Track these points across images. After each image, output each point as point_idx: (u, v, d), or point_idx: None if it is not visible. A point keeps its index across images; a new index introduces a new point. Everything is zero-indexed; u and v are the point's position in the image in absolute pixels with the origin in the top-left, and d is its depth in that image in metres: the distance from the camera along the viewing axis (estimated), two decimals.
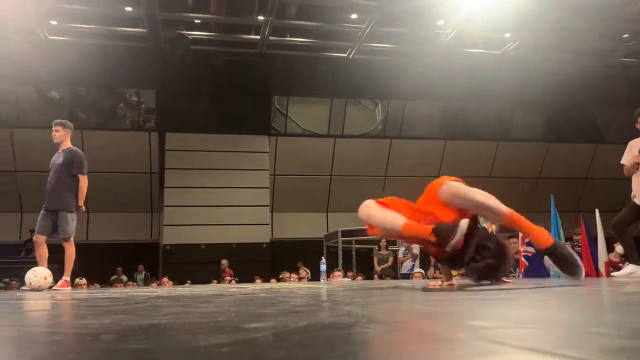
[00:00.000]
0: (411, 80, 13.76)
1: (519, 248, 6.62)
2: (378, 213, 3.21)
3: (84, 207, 6.05)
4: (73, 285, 8.84)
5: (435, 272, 8.50)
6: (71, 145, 6.08)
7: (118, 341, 0.95)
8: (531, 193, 15.83)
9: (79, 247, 14.59)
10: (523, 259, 6.62)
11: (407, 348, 0.79)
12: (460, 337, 0.91)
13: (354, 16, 12.38)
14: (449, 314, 1.44)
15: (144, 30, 12.45)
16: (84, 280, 8.73)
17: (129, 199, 14.33)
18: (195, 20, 12.73)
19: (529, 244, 5.91)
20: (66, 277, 5.94)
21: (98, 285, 10.27)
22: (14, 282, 9.08)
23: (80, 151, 6.16)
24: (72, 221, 5.88)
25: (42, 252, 5.90)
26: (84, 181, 5.96)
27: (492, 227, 4.08)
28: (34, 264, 9.01)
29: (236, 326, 1.23)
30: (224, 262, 12.40)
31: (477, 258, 3.04)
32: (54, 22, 12.25)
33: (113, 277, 11.76)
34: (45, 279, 5.60)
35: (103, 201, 14.21)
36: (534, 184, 16.42)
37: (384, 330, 1.01)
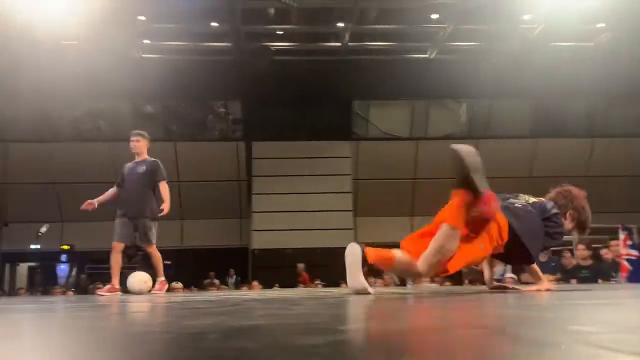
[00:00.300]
0: (497, 78, 13.30)
1: (621, 251, 6.21)
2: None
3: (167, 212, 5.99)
4: (169, 288, 9.34)
5: (528, 278, 8.14)
6: (148, 156, 6.18)
7: (224, 340, 1.01)
8: (635, 192, 14.75)
9: (174, 252, 15.36)
10: (626, 262, 6.20)
11: (509, 352, 0.79)
12: (561, 341, 0.89)
13: (434, 16, 12.18)
14: (549, 319, 1.39)
15: (229, 44, 12.97)
16: (179, 284, 9.17)
17: (219, 205, 14.92)
18: (277, 32, 13.09)
19: (632, 246, 5.53)
20: (161, 278, 6.01)
21: (195, 289, 10.75)
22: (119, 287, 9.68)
23: None
24: (154, 229, 5.94)
25: (119, 259, 5.97)
26: (166, 187, 6.04)
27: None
28: (134, 269, 9.61)
29: (331, 328, 1.26)
30: (300, 266, 12.62)
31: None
32: (147, 41, 13.07)
33: (206, 281, 12.27)
34: (145, 282, 5.91)
35: (196, 208, 14.91)
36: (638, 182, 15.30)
37: (483, 334, 1.00)
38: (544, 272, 8.10)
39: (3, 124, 14.12)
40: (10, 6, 9.96)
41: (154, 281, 5.97)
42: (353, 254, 2.96)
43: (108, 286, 5.80)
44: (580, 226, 3.65)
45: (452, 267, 2.98)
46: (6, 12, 10.14)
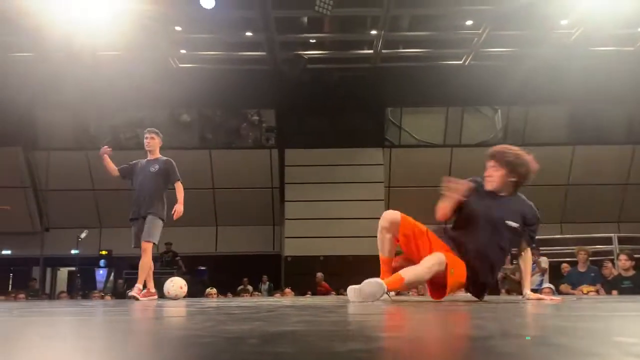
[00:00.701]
0: (533, 84, 13.08)
1: None
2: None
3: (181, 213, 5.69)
4: (204, 294, 9.45)
5: (568, 288, 7.94)
6: (160, 155, 5.98)
7: (263, 345, 1.02)
8: None
9: (208, 258, 15.50)
10: None
11: None
12: (607, 352, 0.87)
13: (469, 22, 12.07)
14: (591, 329, 1.36)
15: (264, 53, 13.13)
16: (214, 290, 9.28)
17: (253, 212, 15.06)
18: (311, 40, 13.19)
19: None
20: (139, 285, 5.59)
21: (230, 295, 10.86)
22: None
23: None
24: (159, 228, 5.69)
25: (150, 263, 5.81)
26: (181, 188, 5.83)
27: None
28: (171, 274, 9.75)
29: (368, 335, 1.26)
30: (319, 275, 12.63)
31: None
32: (183, 51, 13.36)
33: (240, 287, 12.37)
34: (181, 288, 5.98)
35: (230, 215, 15.11)
36: None
37: (525, 344, 0.99)
38: (582, 282, 7.93)
39: (45, 134, 14.61)
40: (51, 18, 10.32)
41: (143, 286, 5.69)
42: (373, 294, 3.20)
43: (142, 289, 5.61)
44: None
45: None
46: (47, 25, 10.52)
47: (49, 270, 15.59)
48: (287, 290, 11.15)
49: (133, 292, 5.48)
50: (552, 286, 8.57)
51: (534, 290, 9.21)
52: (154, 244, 5.71)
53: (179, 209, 5.66)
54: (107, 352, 1.01)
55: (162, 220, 5.70)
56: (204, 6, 10.55)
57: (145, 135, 5.99)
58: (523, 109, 14.69)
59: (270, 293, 12.10)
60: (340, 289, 11.84)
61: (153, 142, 5.93)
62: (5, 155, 14.40)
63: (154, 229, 5.61)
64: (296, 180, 14.47)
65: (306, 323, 1.71)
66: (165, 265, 13.28)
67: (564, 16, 11.46)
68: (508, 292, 8.93)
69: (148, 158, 5.94)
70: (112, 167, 5.88)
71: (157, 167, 5.79)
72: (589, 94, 13.55)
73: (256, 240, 15.22)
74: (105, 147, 5.88)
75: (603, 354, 0.86)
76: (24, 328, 1.77)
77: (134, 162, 5.99)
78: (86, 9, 10.11)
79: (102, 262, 14.02)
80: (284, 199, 14.57)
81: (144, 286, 5.69)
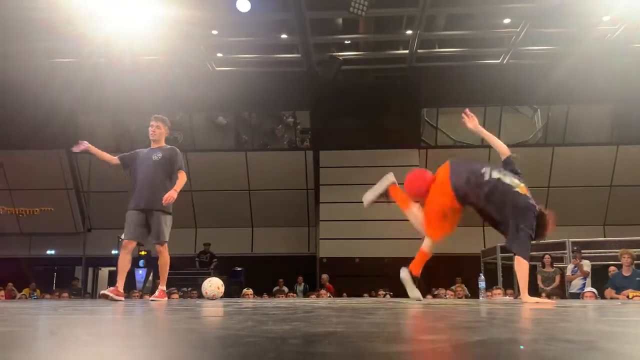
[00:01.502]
0: (574, 82, 12.74)
1: None
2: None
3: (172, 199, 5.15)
4: (241, 295, 9.55)
5: (612, 292, 7.70)
6: (165, 144, 5.51)
7: (306, 345, 1.02)
8: None
9: (244, 259, 15.61)
10: None
11: None
12: None
13: (506, 21, 11.86)
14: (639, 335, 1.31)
15: (298, 55, 13.20)
16: (250, 291, 9.36)
17: (288, 214, 15.15)
18: (345, 41, 13.18)
19: None
20: (162, 287, 5.33)
21: (266, 296, 10.94)
22: (194, 292, 10.01)
23: None
24: (169, 224, 5.26)
25: (128, 259, 5.29)
26: (184, 177, 5.33)
27: (525, 190, 4.04)
28: (209, 274, 9.88)
29: (410, 337, 1.25)
30: (325, 277, 12.69)
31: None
32: (220, 55, 13.55)
33: (275, 288, 12.45)
34: (218, 288, 6.01)
35: (265, 216, 15.24)
36: None
37: (571, 348, 0.96)
38: (627, 287, 7.68)
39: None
40: (93, 26, 10.62)
41: (157, 287, 5.37)
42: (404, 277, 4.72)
43: (111, 288, 5.14)
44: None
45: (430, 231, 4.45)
46: (87, 30, 10.83)
47: (90, 270, 16.02)
48: (323, 291, 11.16)
49: (155, 296, 5.29)
50: (594, 290, 8.34)
51: (575, 294, 8.99)
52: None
53: (172, 193, 5.10)
54: (154, 350, 1.03)
55: (170, 214, 5.27)
56: (239, 9, 10.68)
57: (151, 123, 5.47)
58: (563, 108, 14.33)
59: (306, 294, 12.14)
60: (373, 291, 11.80)
61: (159, 132, 5.46)
62: (50, 157, 14.90)
63: (164, 228, 5.18)
64: (331, 181, 14.47)
65: (346, 324, 1.71)
66: (202, 265, 13.49)
67: (606, 12, 11.12)
68: (548, 297, 8.72)
69: (151, 147, 5.46)
70: (107, 157, 5.45)
71: (160, 155, 5.32)
72: (632, 92, 13.12)
73: (291, 241, 15.30)
74: (80, 142, 5.40)
75: None
76: (72, 326, 1.82)
77: (135, 151, 5.56)
78: (126, 16, 10.38)
79: (141, 262, 14.30)
80: (318, 200, 14.59)
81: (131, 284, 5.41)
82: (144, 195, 5.17)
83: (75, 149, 5.40)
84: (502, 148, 4.38)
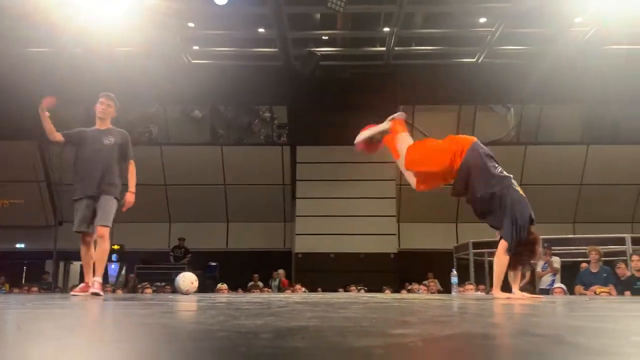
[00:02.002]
0: (547, 82, 12.96)
1: None
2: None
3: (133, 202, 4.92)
4: (214, 290, 9.49)
5: (581, 289, 7.87)
6: (112, 125, 5.16)
7: (277, 339, 1.02)
8: None
9: (219, 254, 15.52)
10: None
11: None
12: (625, 351, 0.86)
13: (482, 20, 11.99)
14: (607, 329, 1.34)
15: (276, 49, 13.13)
16: (224, 286, 9.31)
17: (264, 209, 15.10)
18: (323, 37, 13.17)
19: None
20: (98, 279, 4.72)
21: (241, 291, 10.91)
22: (168, 287, 9.92)
23: None
24: (115, 209, 4.85)
25: (92, 254, 4.89)
26: (134, 170, 5.06)
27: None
28: (182, 269, 9.79)
29: (382, 331, 1.26)
30: (281, 272, 12.83)
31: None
32: (196, 47, 13.39)
33: (250, 284, 12.41)
34: (192, 283, 5.98)
35: (240, 211, 15.16)
36: None
37: (540, 342, 0.98)
38: (595, 283, 7.86)
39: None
40: (65, 14, 10.39)
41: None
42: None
43: (82, 285, 4.90)
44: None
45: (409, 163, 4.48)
46: (61, 20, 10.60)
47: (62, 264, 15.74)
48: (298, 286, 11.17)
49: (94, 289, 4.58)
50: (563, 286, 8.52)
51: (545, 290, 9.18)
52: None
53: (129, 198, 4.88)
54: (124, 345, 1.02)
55: (118, 200, 4.88)
56: (216, 2, 10.57)
57: (101, 100, 5.10)
58: (536, 107, 14.57)
59: (280, 289, 12.13)
60: (348, 286, 11.86)
61: (109, 111, 5.12)
62: (21, 149, 14.54)
63: (111, 210, 4.78)
64: (307, 177, 14.47)
65: (319, 319, 1.71)
66: (176, 260, 13.37)
67: (579, 14, 11.32)
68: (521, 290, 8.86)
69: (98, 127, 5.08)
70: (52, 128, 5.00)
71: (112, 139, 4.97)
72: (603, 93, 13.41)
73: (267, 236, 15.26)
74: (49, 97, 5.05)
75: (620, 352, 0.85)
76: (39, 320, 1.79)
77: (80, 129, 5.20)
78: (102, 5, 10.18)
79: (114, 257, 14.10)
80: (295, 195, 14.58)
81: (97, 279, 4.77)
82: (96, 180, 4.80)
83: (46, 104, 4.97)
84: None
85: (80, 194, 4.88)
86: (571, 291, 8.19)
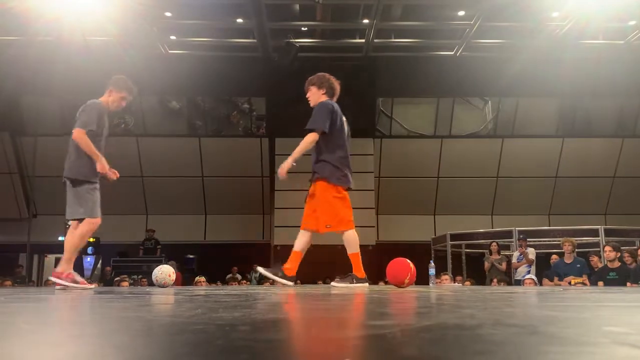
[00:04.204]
0: (524, 76, 13.12)
1: None
2: None
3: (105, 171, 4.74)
4: (193, 282, 9.43)
5: (555, 280, 8.02)
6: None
7: (254, 332, 1.01)
8: None
9: (197, 246, 15.43)
10: None
11: (545, 350, 0.78)
12: (597, 341, 0.88)
13: (461, 13, 12.06)
14: (579, 319, 1.37)
15: (254, 40, 13.02)
16: (203, 278, 9.27)
17: (242, 201, 15.03)
18: (302, 28, 13.10)
19: None
20: (69, 270, 4.44)
21: (219, 284, 10.87)
22: (144, 280, 9.83)
23: None
24: (90, 195, 4.60)
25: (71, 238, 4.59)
26: (76, 135, 4.75)
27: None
28: (159, 262, 9.70)
29: (360, 322, 1.26)
30: (234, 269, 12.86)
31: None
32: (173, 37, 13.21)
33: (229, 276, 12.37)
34: (170, 276, 5.91)
35: (219, 204, 15.07)
36: None
37: (515, 332, 0.99)
38: (569, 274, 8.02)
39: (32, 119, 14.43)
40: (40, 2, 10.15)
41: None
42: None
43: (81, 279, 4.62)
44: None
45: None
46: (35, 8, 10.34)
47: (36, 257, 15.47)
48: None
49: (66, 278, 4.33)
50: (534, 277, 8.67)
51: (518, 282, 9.32)
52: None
53: (101, 168, 4.67)
54: (98, 339, 1.00)
55: (88, 182, 4.60)
56: None
57: (130, 98, 5.15)
58: (513, 100, 14.75)
59: (260, 282, 12.11)
60: (327, 278, 11.90)
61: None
62: None
63: (82, 197, 4.56)
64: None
65: (298, 311, 1.71)
66: (147, 252, 13.20)
67: (556, 8, 11.48)
68: (497, 282, 9.02)
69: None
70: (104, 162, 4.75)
71: (77, 113, 4.79)
72: (579, 86, 13.64)
73: (245, 229, 15.20)
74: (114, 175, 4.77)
75: (593, 342, 0.87)
76: (11, 315, 1.75)
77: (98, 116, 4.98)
78: None
79: (89, 249, 13.90)
80: (274, 188, 14.53)
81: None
82: (66, 162, 4.64)
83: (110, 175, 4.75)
84: None
85: (96, 178, 4.58)
86: (540, 283, 8.34)
